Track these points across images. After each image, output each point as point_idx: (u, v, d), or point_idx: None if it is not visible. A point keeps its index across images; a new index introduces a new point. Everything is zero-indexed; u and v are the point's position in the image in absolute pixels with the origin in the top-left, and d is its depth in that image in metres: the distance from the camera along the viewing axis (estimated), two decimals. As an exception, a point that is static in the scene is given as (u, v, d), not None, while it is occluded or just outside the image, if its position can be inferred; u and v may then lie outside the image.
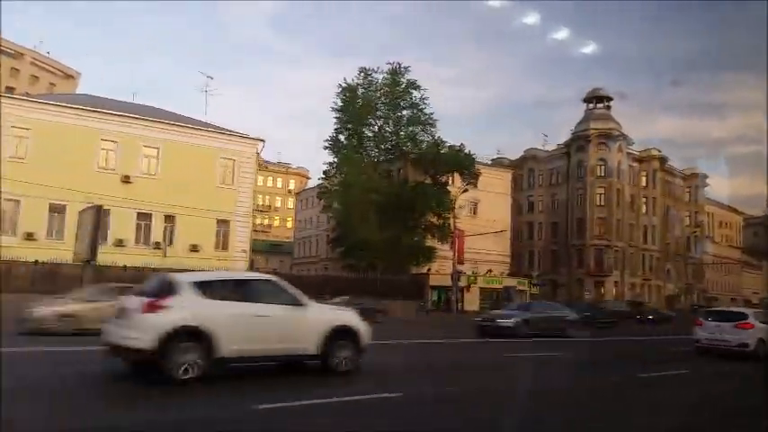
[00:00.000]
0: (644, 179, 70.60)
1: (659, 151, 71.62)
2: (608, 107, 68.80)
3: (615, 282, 65.35)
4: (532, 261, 71.84)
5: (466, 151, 47.54)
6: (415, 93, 46.40)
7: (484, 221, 52.77)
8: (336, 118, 46.30)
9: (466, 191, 44.85)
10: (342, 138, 46.64)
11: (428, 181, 47.88)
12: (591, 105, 68.99)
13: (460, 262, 40.48)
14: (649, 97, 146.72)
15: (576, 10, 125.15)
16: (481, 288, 48.45)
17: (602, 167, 66.12)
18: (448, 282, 46.91)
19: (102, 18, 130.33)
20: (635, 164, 69.98)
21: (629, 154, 68.55)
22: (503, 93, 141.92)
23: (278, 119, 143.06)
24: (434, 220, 46.59)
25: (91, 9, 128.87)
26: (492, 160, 77.60)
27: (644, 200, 70.26)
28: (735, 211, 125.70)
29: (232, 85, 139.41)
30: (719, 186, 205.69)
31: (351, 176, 45.16)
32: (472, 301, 45.87)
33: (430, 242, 47.42)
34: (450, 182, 48.38)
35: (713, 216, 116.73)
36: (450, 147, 47.19)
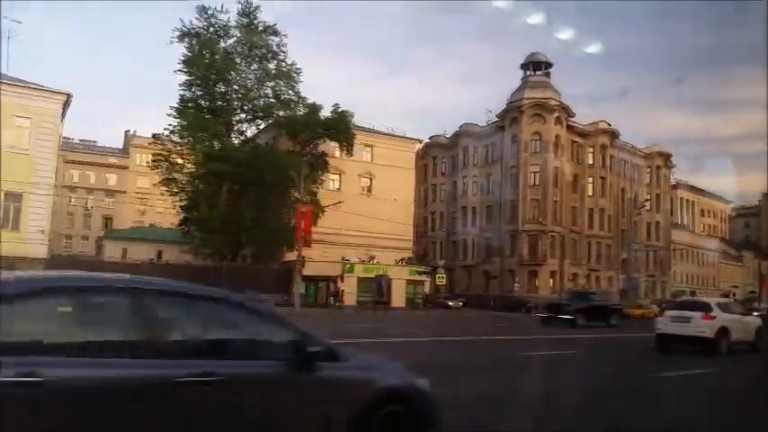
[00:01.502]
0: (590, 157, 62.40)
1: (609, 125, 63.36)
2: (547, 74, 60.70)
3: (552, 272, 57.32)
4: (465, 250, 64.18)
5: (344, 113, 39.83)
6: (273, 39, 38.73)
7: (380, 200, 45.17)
8: (182, 71, 38.60)
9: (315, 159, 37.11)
10: (188, 95, 38.96)
11: (298, 149, 40.46)
12: (528, 72, 60.91)
13: (306, 244, 32.81)
14: (653, 94, 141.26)
15: (578, 10, 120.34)
16: (362, 278, 40.73)
17: (537, 142, 58.09)
18: (326, 271, 39.58)
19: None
20: (579, 139, 61.85)
21: (571, 127, 60.43)
22: (503, 93, 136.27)
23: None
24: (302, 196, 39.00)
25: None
26: (430, 138, 70.31)
27: (590, 180, 62.07)
28: (721, 199, 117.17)
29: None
30: (712, 176, 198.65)
31: (197, 142, 37.78)
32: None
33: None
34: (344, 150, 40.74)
35: (694, 204, 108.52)
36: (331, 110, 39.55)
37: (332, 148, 41.67)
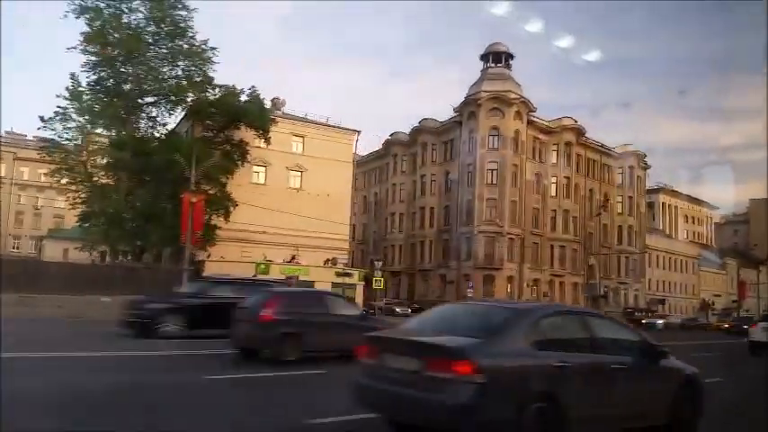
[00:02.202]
0: (554, 155, 58.70)
1: (575, 121, 59.70)
2: (508, 66, 57.09)
3: (509, 277, 53.49)
4: (423, 253, 60.40)
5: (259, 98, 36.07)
6: (180, 13, 35.01)
7: (312, 196, 41.40)
8: (82, 50, 34.69)
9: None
10: (93, 77, 35.10)
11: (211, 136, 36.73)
12: (487, 64, 57.29)
13: (193, 241, 28.96)
14: (655, 103, 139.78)
15: (578, 17, 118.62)
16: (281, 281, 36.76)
17: (495, 138, 54.39)
18: (239, 272, 35.60)
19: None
20: (542, 136, 58.17)
21: (533, 123, 56.76)
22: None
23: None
24: (211, 188, 35.26)
25: None
26: (391, 135, 66.68)
27: (553, 179, 58.31)
28: (707, 205, 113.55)
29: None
30: (705, 184, 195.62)
31: (93, 128, 34.07)
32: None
33: (215, 220, 36.06)
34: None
35: (677, 209, 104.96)
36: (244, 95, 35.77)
37: (257, 137, 37.92)
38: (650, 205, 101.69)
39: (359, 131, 43.85)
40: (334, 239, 42.07)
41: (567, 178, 59.25)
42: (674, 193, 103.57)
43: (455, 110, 56.98)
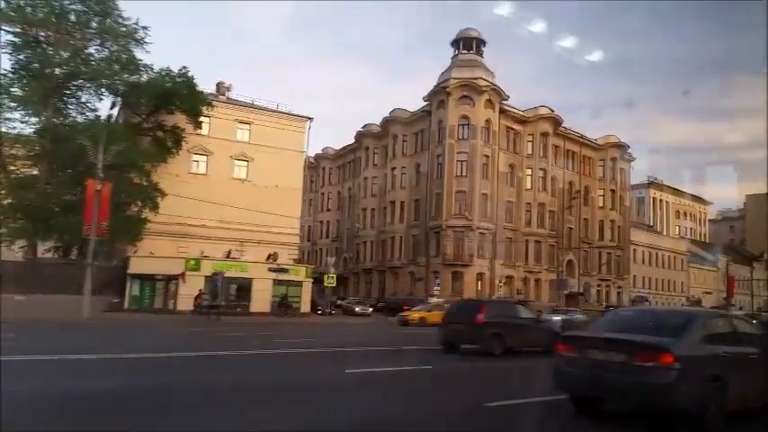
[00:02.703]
0: (529, 146, 55.95)
1: (551, 110, 56.93)
2: (479, 53, 54.34)
3: (479, 273, 50.78)
4: (393, 249, 57.72)
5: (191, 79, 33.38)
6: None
7: (260, 187, 38.77)
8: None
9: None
10: (13, 59, 32.49)
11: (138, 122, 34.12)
12: (457, 51, 54.56)
13: (99, 233, 26.25)
14: (659, 103, 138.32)
15: (581, 17, 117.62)
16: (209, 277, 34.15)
17: (465, 127, 51.68)
18: (170, 269, 33.24)
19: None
20: (517, 126, 55.45)
21: (506, 113, 54.02)
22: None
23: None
24: (137, 177, 32.68)
25: None
26: (363, 126, 64.00)
27: (528, 171, 55.58)
28: (700, 201, 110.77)
29: None
30: (703, 182, 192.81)
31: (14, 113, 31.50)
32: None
33: (145, 213, 33.44)
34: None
35: (669, 204, 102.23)
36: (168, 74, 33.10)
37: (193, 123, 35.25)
38: (640, 200, 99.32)
39: (311, 118, 41.17)
40: (283, 234, 39.38)
41: (543, 170, 56.50)
42: (665, 188, 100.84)
43: (424, 99, 54.27)
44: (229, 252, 35.40)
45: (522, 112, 55.53)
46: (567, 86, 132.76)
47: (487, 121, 51.93)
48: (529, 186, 55.27)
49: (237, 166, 38.99)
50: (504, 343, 15.14)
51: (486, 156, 51.88)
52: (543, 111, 55.99)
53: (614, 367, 6.98)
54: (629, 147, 66.48)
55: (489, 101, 52.13)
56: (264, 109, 40.06)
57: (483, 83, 51.29)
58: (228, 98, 40.32)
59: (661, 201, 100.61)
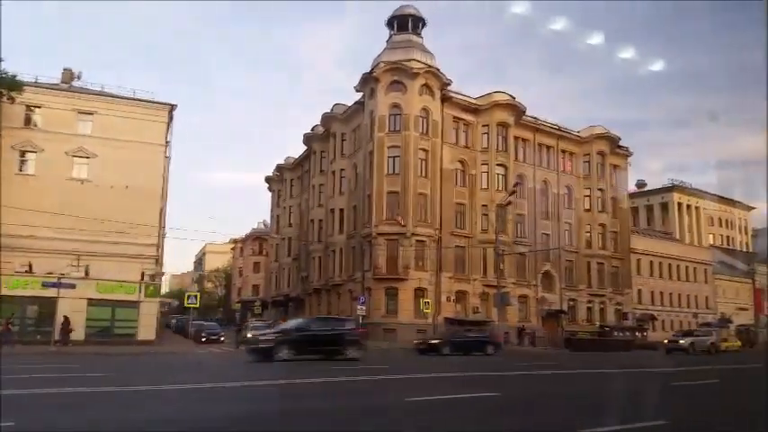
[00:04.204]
0: (484, 138, 47.66)
1: (511, 96, 48.57)
2: (417, 33, 46.85)
3: (417, 289, 42.52)
4: (335, 264, 50.22)
5: None
6: None
7: (104, 189, 32.39)
8: None
9: None
10: None
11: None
12: (392, 32, 47.27)
13: None
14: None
15: (638, 29, 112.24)
16: (29, 297, 27.77)
17: (396, 118, 44.11)
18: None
19: None
20: (468, 116, 47.38)
21: (450, 100, 46.12)
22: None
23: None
24: None
25: None
26: (312, 128, 57.27)
27: (483, 168, 47.19)
28: (740, 206, 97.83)
29: None
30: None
31: None
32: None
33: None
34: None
35: (699, 210, 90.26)
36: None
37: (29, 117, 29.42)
38: (664, 206, 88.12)
39: (173, 105, 34.65)
40: (137, 245, 32.70)
41: (504, 166, 47.94)
42: (695, 192, 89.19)
43: (356, 89, 47.06)
44: (29, 266, 28.89)
45: (474, 100, 47.47)
46: (625, 98, 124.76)
47: (424, 109, 44.19)
48: (485, 185, 46.83)
49: (77, 165, 32.74)
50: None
51: (424, 150, 44.02)
52: (499, 97, 47.68)
53: None
54: (619, 139, 56.93)
55: (427, 86, 44.45)
56: (113, 96, 33.82)
57: (417, 65, 43.71)
58: (71, 85, 34.36)
59: (689, 206, 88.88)
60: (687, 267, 67.51)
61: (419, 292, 42.53)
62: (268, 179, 74.62)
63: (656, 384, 13.85)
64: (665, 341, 41.05)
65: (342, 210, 49.69)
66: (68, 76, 34.91)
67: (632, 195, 78.03)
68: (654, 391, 12.04)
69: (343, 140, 50.65)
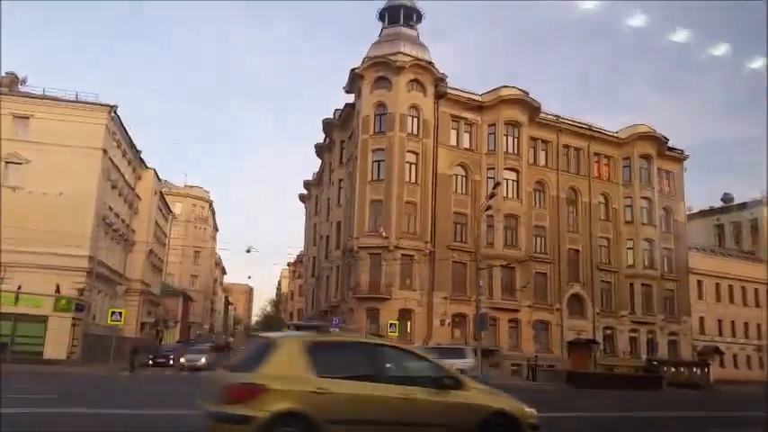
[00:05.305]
0: (491, 139, 41.87)
1: (524, 92, 42.56)
2: (411, 26, 42.29)
3: (403, 310, 37.21)
4: (329, 284, 46.00)
5: None
6: None
7: (37, 196, 30.33)
8: None
9: None
10: None
11: None
12: (383, 25, 43.01)
13: None
14: None
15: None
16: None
17: (381, 118, 39.55)
18: None
19: None
20: (470, 114, 41.91)
21: (446, 96, 40.94)
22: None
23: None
24: None
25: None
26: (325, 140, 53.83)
27: (488, 173, 41.33)
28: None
29: None
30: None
31: None
32: None
33: None
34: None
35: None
36: None
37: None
38: (752, 222, 76.30)
39: (113, 106, 32.17)
40: (65, 256, 30.15)
41: (516, 171, 41.84)
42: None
43: (345, 90, 43.06)
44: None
45: (476, 96, 41.99)
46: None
47: (414, 107, 39.34)
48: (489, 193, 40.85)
49: (11, 171, 30.88)
50: None
51: (414, 152, 39.03)
52: (506, 92, 41.86)
53: None
54: (667, 140, 48.76)
55: (417, 81, 39.65)
56: (51, 98, 31.86)
57: (403, 58, 39.07)
58: (10, 90, 32.83)
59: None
60: (765, 291, 56.80)
61: (405, 314, 37.24)
62: (301, 197, 72.25)
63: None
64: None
65: (338, 223, 45.52)
66: (9, 80, 33.64)
67: (718, 211, 68.83)
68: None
69: (342, 148, 46.75)
